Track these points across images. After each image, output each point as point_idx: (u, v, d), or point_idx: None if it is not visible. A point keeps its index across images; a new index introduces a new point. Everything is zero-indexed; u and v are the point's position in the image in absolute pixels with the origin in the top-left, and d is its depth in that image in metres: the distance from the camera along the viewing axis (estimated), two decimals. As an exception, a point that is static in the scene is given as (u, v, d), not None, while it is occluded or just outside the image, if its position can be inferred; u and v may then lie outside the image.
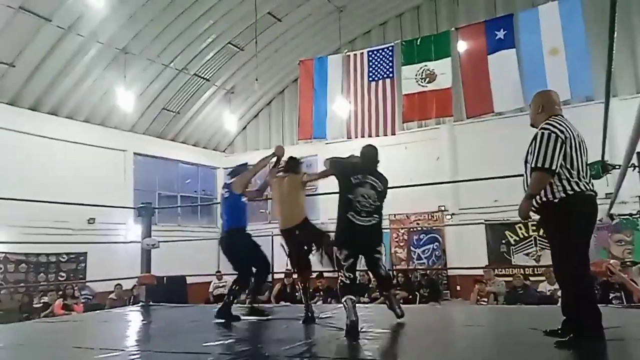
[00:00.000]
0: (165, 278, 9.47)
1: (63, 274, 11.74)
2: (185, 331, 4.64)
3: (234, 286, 4.98)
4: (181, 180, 16.15)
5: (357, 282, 4.72)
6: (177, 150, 15.69)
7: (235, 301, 5.03)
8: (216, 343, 3.85)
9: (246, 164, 5.42)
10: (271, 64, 14.97)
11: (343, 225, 4.15)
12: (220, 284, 12.70)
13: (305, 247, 4.72)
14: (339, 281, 4.17)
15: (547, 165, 3.11)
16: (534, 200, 3.23)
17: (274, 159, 5.28)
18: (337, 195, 4.26)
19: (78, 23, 11.03)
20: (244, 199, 5.07)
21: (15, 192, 8.92)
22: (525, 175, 3.37)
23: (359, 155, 4.40)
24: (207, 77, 14.67)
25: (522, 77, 7.52)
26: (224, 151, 17.48)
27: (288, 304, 8.85)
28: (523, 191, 3.40)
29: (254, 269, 4.98)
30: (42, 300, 9.56)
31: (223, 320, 4.78)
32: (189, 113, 15.41)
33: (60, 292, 10.11)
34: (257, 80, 13.05)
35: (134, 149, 14.32)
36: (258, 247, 5.05)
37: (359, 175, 4.15)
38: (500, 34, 7.81)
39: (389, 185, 4.32)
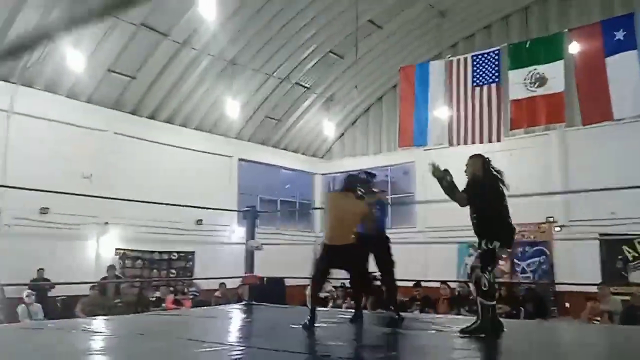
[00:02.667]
0: (265, 279, 9.81)
1: (173, 271, 12.61)
2: (288, 330, 4.79)
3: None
4: (281, 185, 16.67)
5: None
6: (278, 156, 16.23)
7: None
8: (318, 344, 3.94)
9: (354, 175, 5.22)
10: (370, 71, 15.05)
11: (507, 225, 4.25)
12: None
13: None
14: (483, 283, 4.10)
15: None
16: None
17: None
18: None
19: (192, 37, 11.84)
20: None
21: (134, 194, 9.74)
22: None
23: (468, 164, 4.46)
24: (308, 86, 15.06)
25: (644, 81, 6.91)
26: (322, 157, 17.81)
27: (384, 311, 8.78)
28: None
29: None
30: (155, 295, 10.32)
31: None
32: (289, 120, 15.90)
33: (171, 288, 10.85)
34: (356, 87, 13.19)
35: (239, 155, 15.05)
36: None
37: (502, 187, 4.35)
38: (620, 35, 7.23)
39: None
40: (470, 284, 4.32)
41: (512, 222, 4.27)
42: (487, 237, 4.14)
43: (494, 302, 4.14)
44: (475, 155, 4.53)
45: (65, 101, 11.33)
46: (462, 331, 4.16)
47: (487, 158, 4.47)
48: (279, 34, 12.77)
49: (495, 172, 4.39)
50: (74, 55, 9.92)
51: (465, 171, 4.47)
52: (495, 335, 4.09)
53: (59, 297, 10.23)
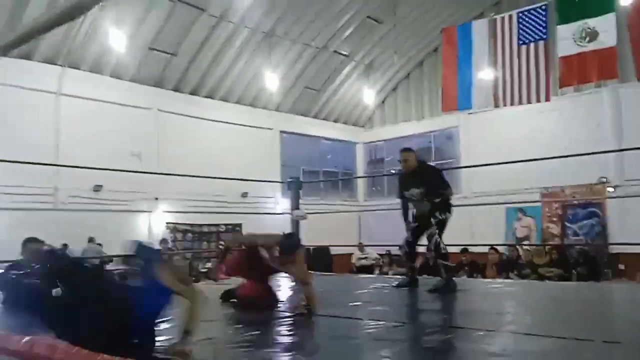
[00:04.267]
0: (311, 248, 9.95)
1: (222, 243, 12.92)
2: (338, 297, 4.87)
3: None
4: (323, 155, 16.71)
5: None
6: (319, 127, 16.21)
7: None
8: (368, 310, 3.99)
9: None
10: (409, 35, 14.69)
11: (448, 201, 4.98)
12: (362, 256, 13.02)
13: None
14: (443, 247, 4.81)
15: None
16: None
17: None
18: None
19: (228, 11, 11.84)
20: None
21: (181, 169, 10.01)
22: None
23: None
24: (346, 53, 14.86)
25: None
26: (363, 126, 17.67)
27: (430, 277, 8.78)
28: None
29: None
30: (206, 266, 10.66)
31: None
32: (329, 90, 15.80)
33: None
34: (395, 52, 12.92)
35: (280, 127, 15.12)
36: None
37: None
38: (676, -19, 6.79)
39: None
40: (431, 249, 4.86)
41: None
42: (441, 210, 4.80)
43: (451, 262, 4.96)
44: (406, 148, 5.16)
45: (110, 81, 11.62)
46: (430, 290, 4.64)
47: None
48: (314, 2, 12.60)
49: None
50: (115, 35, 10.11)
51: (404, 164, 5.01)
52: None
53: (116, 271, 10.68)
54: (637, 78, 7.28)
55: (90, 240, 10.54)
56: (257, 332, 3.23)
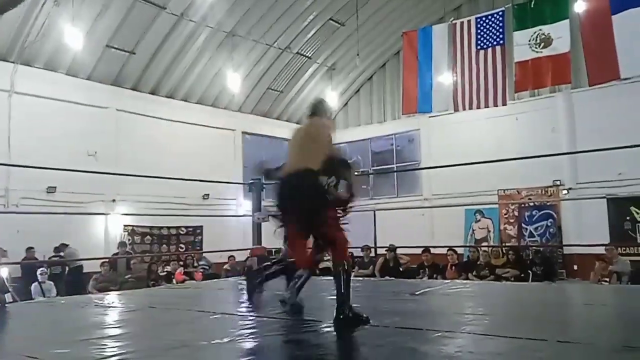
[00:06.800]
0: (273, 250, 9.85)
1: (182, 246, 12.71)
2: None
3: None
4: (285, 157, 16.61)
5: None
6: (281, 128, 16.06)
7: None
8: (329, 311, 3.96)
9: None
10: (372, 38, 14.81)
11: None
12: (325, 257, 12.99)
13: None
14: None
15: None
16: None
17: None
18: None
19: (189, 9, 11.64)
20: None
21: (140, 170, 9.76)
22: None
23: None
24: (309, 55, 14.85)
25: (653, 37, 6.77)
26: (326, 128, 17.67)
27: (392, 278, 8.87)
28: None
29: None
30: (165, 269, 10.42)
31: None
32: (292, 92, 15.75)
33: (181, 262, 10.96)
34: (358, 55, 12.99)
35: (242, 128, 14.97)
36: None
37: None
38: (627, -9, 7.06)
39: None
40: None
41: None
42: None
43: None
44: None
45: (65, 79, 11.24)
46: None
47: None
48: (277, 3, 12.54)
49: None
50: (71, 32, 9.78)
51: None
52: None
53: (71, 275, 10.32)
54: (589, 83, 7.54)
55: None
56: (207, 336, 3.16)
